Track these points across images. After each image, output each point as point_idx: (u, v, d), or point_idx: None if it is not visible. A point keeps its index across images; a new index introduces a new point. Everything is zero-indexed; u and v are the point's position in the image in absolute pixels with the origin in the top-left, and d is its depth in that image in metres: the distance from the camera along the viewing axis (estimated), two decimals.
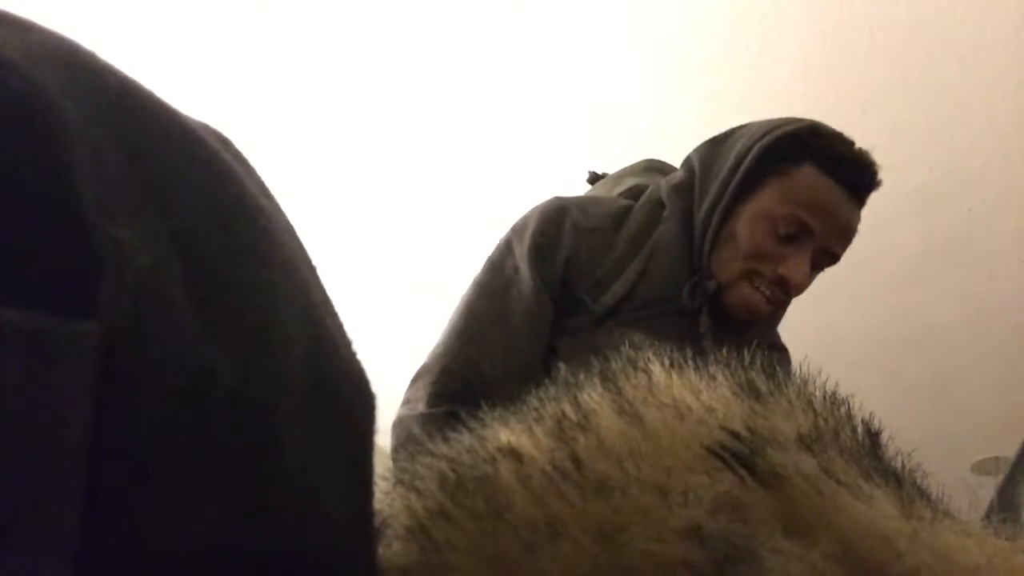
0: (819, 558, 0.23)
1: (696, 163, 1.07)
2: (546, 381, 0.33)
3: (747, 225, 1.01)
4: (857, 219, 1.02)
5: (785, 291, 1.01)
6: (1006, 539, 0.25)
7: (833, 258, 1.03)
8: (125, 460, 0.17)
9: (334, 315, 0.26)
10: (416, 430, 0.95)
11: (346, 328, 0.26)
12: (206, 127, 0.24)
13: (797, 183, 0.99)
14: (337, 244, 2.55)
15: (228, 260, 0.21)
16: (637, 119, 2.12)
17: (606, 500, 0.25)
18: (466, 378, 0.98)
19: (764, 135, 1.02)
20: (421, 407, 0.98)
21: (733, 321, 1.03)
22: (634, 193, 1.17)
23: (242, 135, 0.29)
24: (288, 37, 2.04)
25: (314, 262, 0.26)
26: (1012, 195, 2.21)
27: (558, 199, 1.11)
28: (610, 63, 2.05)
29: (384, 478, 0.31)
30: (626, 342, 1.10)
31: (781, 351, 1.14)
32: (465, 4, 1.95)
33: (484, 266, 1.09)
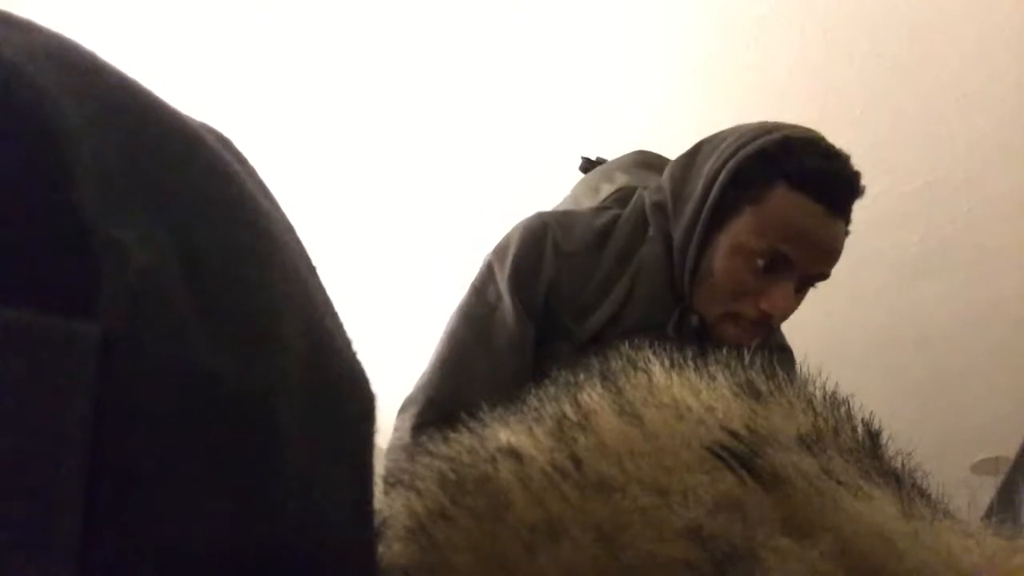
0: (819, 558, 0.23)
1: (668, 183, 1.03)
2: (545, 384, 0.33)
3: (724, 261, 0.96)
4: (842, 235, 0.98)
5: (768, 323, 0.98)
6: (1006, 539, 0.25)
7: (820, 278, 0.99)
8: (125, 460, 0.17)
9: (334, 315, 0.26)
10: (402, 459, 0.95)
11: (346, 328, 0.26)
12: (206, 127, 0.24)
13: (771, 211, 0.94)
14: (337, 244, 2.55)
15: (228, 260, 0.21)
16: (637, 119, 2.12)
17: (606, 500, 0.25)
18: (450, 408, 0.96)
19: (734, 154, 0.97)
20: (407, 438, 0.97)
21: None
22: (623, 196, 1.13)
23: (242, 135, 0.29)
24: (288, 37, 2.03)
25: (314, 262, 0.26)
26: (1012, 195, 2.21)
27: (539, 217, 1.07)
28: (610, 63, 2.05)
29: (384, 478, 0.31)
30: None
31: (784, 351, 1.11)
32: (464, 4, 1.95)
33: (467, 291, 1.07)
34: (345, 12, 1.98)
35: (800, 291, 0.98)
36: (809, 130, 1.00)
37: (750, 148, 0.96)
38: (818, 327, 2.59)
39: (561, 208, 1.24)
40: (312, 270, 0.26)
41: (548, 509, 0.25)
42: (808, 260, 0.95)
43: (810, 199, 0.93)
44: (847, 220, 0.98)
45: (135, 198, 0.19)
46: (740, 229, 0.95)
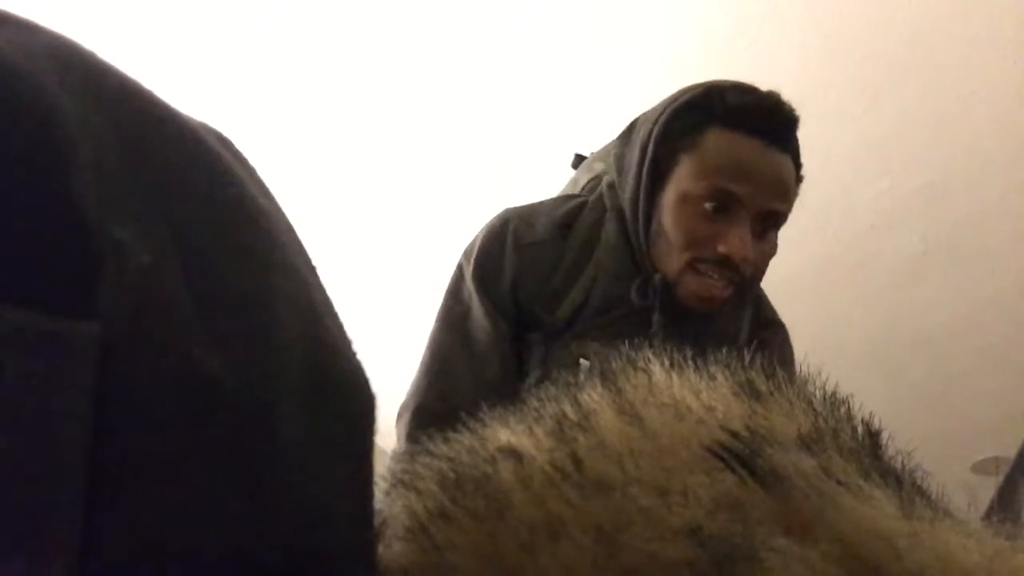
0: (819, 558, 0.23)
1: (613, 161, 1.03)
2: (545, 384, 0.33)
3: (671, 214, 0.94)
4: (787, 168, 0.93)
5: (734, 269, 0.92)
6: (1006, 539, 0.25)
7: (778, 217, 0.94)
8: (125, 460, 0.17)
9: (334, 315, 0.26)
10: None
11: (346, 328, 0.26)
12: (206, 127, 0.24)
13: (707, 152, 0.91)
14: (337, 244, 2.55)
15: (228, 260, 0.21)
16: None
17: (606, 500, 0.25)
18: (439, 413, 0.96)
19: (663, 112, 0.96)
20: (402, 446, 0.98)
21: (694, 314, 0.96)
22: (596, 183, 1.12)
23: (242, 135, 0.29)
24: (288, 37, 2.03)
25: (314, 262, 0.26)
26: (1012, 195, 2.21)
27: (503, 213, 1.07)
28: (610, 64, 2.05)
29: (384, 478, 0.31)
30: (582, 355, 1.04)
31: (775, 325, 1.08)
32: (464, 4, 1.95)
33: (444, 295, 1.07)
34: (345, 12, 1.98)
35: (762, 236, 0.94)
36: (735, 81, 0.98)
37: (677, 103, 0.96)
38: (818, 327, 2.60)
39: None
40: (312, 270, 0.26)
41: (548, 509, 0.25)
42: (755, 195, 0.91)
43: (744, 134, 0.91)
44: (792, 154, 0.94)
45: (135, 198, 0.19)
46: (680, 178, 0.93)
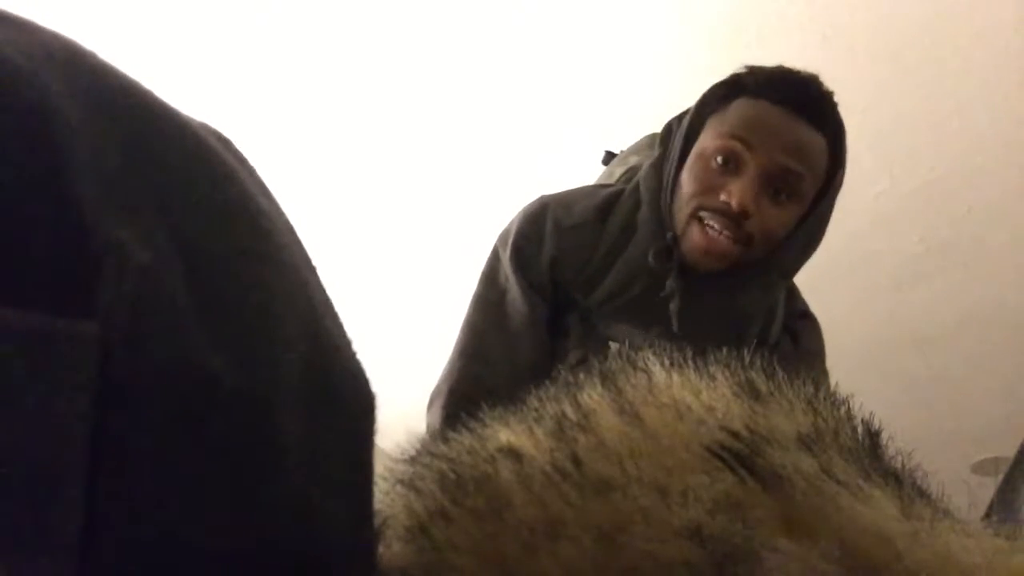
0: (818, 558, 0.23)
1: (665, 135, 1.05)
2: (545, 384, 0.33)
3: (687, 170, 0.96)
4: (812, 137, 0.93)
5: (736, 221, 0.92)
6: (1006, 539, 0.25)
7: (790, 179, 0.92)
8: (125, 459, 0.17)
9: (334, 315, 0.26)
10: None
11: (346, 328, 0.26)
12: (206, 127, 0.24)
13: (730, 115, 0.94)
14: (337, 244, 2.55)
15: (228, 260, 0.21)
16: (637, 120, 2.12)
17: (606, 500, 0.25)
18: (473, 395, 0.96)
19: (704, 93, 1.00)
20: (433, 433, 0.99)
21: (714, 287, 0.97)
22: (632, 175, 1.14)
23: (242, 135, 0.29)
24: (288, 37, 2.03)
25: (314, 262, 0.26)
26: (1012, 195, 2.21)
27: (540, 199, 1.08)
28: (609, 64, 2.05)
29: (384, 478, 0.31)
30: (611, 336, 1.05)
31: (808, 317, 1.09)
32: (464, 4, 1.95)
33: (479, 280, 1.08)
34: (345, 12, 1.97)
35: (775, 199, 0.93)
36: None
37: (716, 83, 0.99)
38: None
39: None
40: (312, 270, 0.26)
41: (548, 509, 0.25)
42: (765, 148, 0.91)
43: (769, 102, 0.93)
44: (824, 132, 0.95)
45: (135, 198, 0.19)
46: (702, 139, 0.96)
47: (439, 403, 1.00)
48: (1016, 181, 2.18)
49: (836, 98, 0.98)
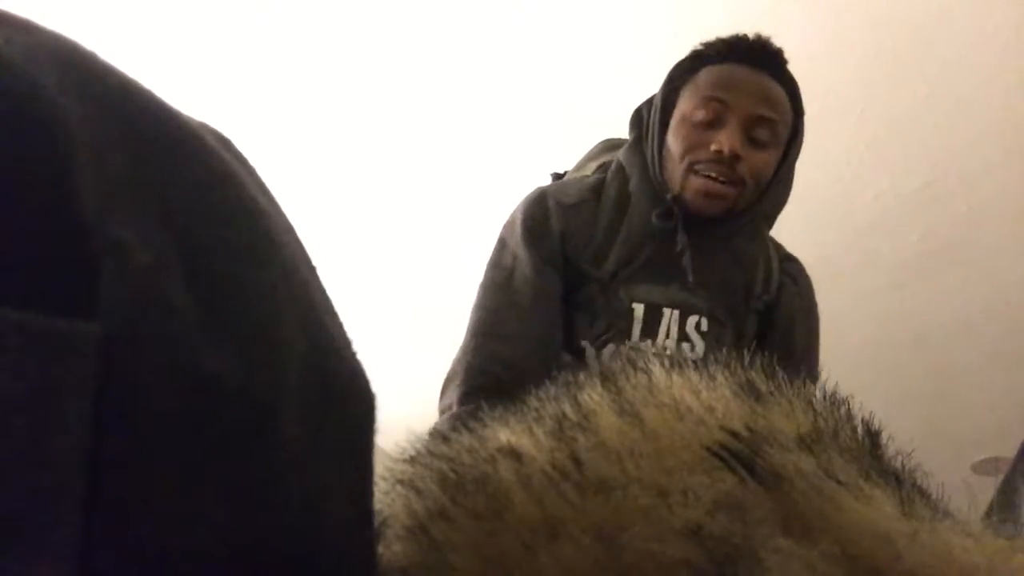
0: (818, 558, 0.23)
1: (636, 119, 1.16)
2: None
3: (672, 135, 1.06)
4: (776, 88, 1.05)
5: (729, 165, 1.02)
6: (1006, 539, 0.25)
7: (767, 126, 1.04)
8: (125, 460, 0.17)
9: (334, 315, 0.26)
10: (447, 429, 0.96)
11: (346, 328, 0.26)
12: (206, 127, 0.24)
13: (700, 81, 1.06)
14: (337, 244, 2.55)
15: (228, 260, 0.21)
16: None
17: (606, 500, 0.25)
18: (492, 370, 1.00)
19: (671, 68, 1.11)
20: (455, 408, 0.99)
21: (713, 231, 1.06)
22: (603, 170, 1.22)
23: (242, 135, 0.29)
24: (288, 37, 2.03)
25: (314, 262, 0.26)
26: (1012, 195, 2.20)
27: (537, 188, 1.16)
28: (609, 65, 2.05)
29: (384, 478, 0.31)
30: (632, 299, 1.15)
31: (794, 259, 1.18)
32: (464, 4, 1.95)
33: (486, 269, 1.12)
34: (345, 12, 1.97)
35: (755, 143, 1.03)
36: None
37: (677, 62, 1.11)
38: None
39: None
40: (312, 270, 0.26)
41: (548, 509, 0.25)
42: (740, 100, 1.02)
43: (732, 63, 1.05)
44: (783, 83, 1.06)
45: (135, 198, 0.19)
46: (680, 107, 1.07)
47: (455, 383, 1.03)
48: (1016, 181, 2.18)
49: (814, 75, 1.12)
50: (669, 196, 1.06)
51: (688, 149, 1.04)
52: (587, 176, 1.19)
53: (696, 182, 1.03)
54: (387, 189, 2.44)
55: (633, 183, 1.10)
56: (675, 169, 1.06)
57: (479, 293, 1.10)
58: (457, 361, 1.05)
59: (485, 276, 1.11)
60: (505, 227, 1.14)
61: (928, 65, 1.93)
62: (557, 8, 1.94)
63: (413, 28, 2.01)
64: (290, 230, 0.25)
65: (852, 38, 1.89)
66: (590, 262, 1.08)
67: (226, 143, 0.25)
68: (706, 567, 0.23)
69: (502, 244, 1.12)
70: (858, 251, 2.37)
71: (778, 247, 1.18)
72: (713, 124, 1.03)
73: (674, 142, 1.06)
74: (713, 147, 1.01)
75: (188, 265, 0.19)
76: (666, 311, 1.04)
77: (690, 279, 1.04)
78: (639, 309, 1.04)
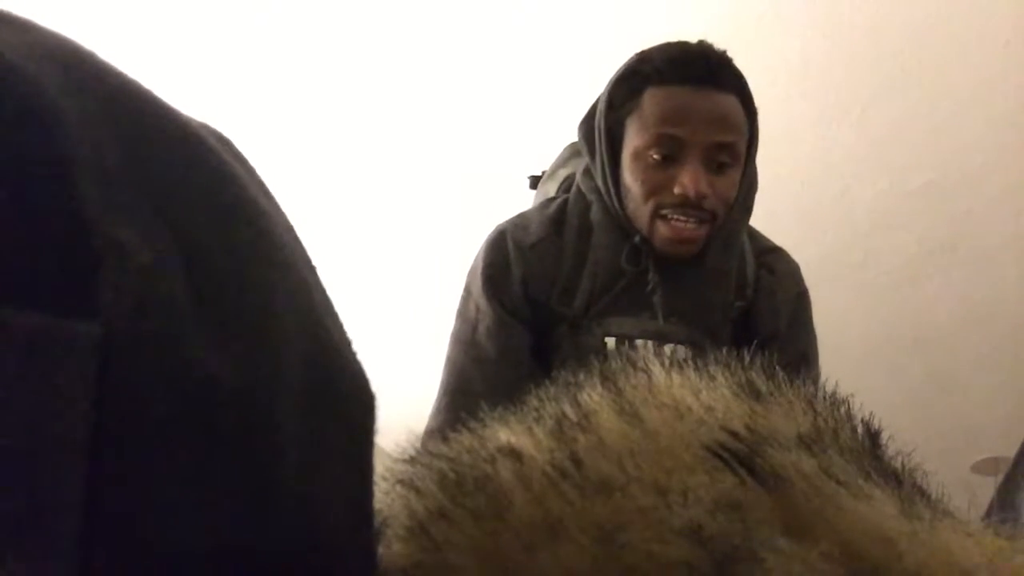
0: (819, 558, 0.23)
1: (583, 144, 1.11)
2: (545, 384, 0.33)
3: (629, 173, 1.01)
4: (725, 102, 0.99)
5: (696, 205, 0.98)
6: (1006, 539, 0.25)
7: (727, 150, 0.99)
8: (125, 460, 0.17)
9: (334, 315, 0.26)
10: None
11: (346, 328, 0.26)
12: (206, 127, 0.24)
13: (646, 110, 0.99)
14: (337, 244, 2.55)
15: (228, 260, 0.21)
16: None
17: (606, 500, 0.25)
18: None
19: (605, 90, 1.05)
20: None
21: (682, 263, 1.03)
22: (568, 185, 1.19)
23: (242, 135, 0.29)
24: (288, 37, 2.03)
25: (314, 262, 0.26)
26: (1012, 195, 2.21)
27: (498, 227, 1.13)
28: (609, 64, 2.05)
29: (384, 478, 0.31)
30: (606, 333, 1.12)
31: (774, 251, 1.15)
32: (464, 4, 1.95)
33: (455, 316, 1.12)
34: (345, 12, 1.97)
35: (719, 170, 0.99)
36: (663, 43, 1.05)
37: (615, 76, 1.05)
38: (818, 327, 2.59)
39: None
40: (312, 270, 0.26)
41: (548, 509, 0.25)
42: (695, 132, 0.97)
43: (675, 85, 0.98)
44: (732, 90, 1.00)
45: (135, 198, 0.19)
46: (630, 139, 1.01)
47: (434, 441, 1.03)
48: (1016, 181, 2.18)
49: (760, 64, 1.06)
50: (637, 238, 1.03)
51: (649, 192, 1.00)
52: (548, 206, 1.15)
53: (665, 229, 1.00)
54: (387, 189, 2.44)
55: (594, 212, 1.07)
56: (639, 210, 1.02)
57: (449, 343, 1.10)
58: (431, 418, 1.05)
59: (454, 324, 1.11)
60: (469, 274, 1.12)
61: (928, 65, 1.93)
62: (557, 8, 1.94)
63: (413, 28, 2.01)
64: (290, 230, 0.25)
65: (852, 38, 1.89)
66: (559, 300, 1.06)
67: (226, 143, 0.25)
68: (706, 567, 0.23)
69: (467, 293, 1.11)
70: (858, 251, 2.37)
71: (756, 240, 1.15)
72: (669, 160, 0.98)
73: (632, 182, 1.02)
74: (676, 191, 0.97)
75: (188, 265, 0.19)
76: (639, 343, 1.03)
77: (661, 320, 1.01)
78: (611, 343, 1.02)
